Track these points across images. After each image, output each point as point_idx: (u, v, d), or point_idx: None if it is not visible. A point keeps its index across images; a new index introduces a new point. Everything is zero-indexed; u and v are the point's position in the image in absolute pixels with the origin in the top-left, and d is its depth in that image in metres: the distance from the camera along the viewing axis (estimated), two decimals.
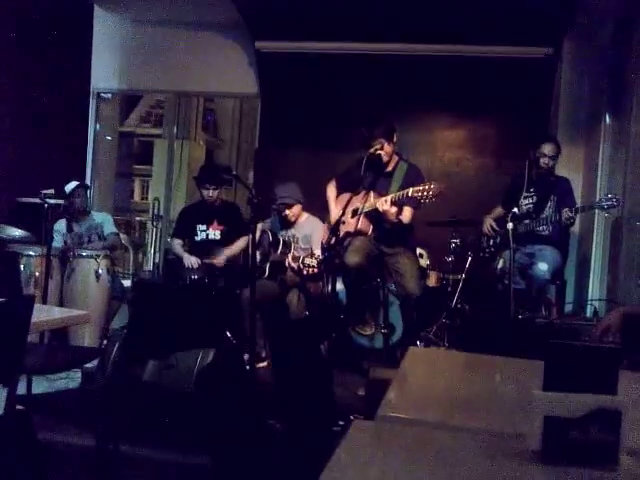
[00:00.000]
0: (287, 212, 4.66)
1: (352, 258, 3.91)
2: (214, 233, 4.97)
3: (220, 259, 4.80)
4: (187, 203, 6.42)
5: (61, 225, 4.82)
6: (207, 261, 4.81)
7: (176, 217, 5.43)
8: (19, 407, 2.00)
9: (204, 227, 4.98)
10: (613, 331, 2.24)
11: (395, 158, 4.12)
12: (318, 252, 4.34)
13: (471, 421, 1.34)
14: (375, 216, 3.96)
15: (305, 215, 4.77)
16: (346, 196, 4.06)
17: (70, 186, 4.87)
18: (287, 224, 4.73)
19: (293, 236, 4.69)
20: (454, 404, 1.49)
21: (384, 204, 3.82)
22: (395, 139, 4.08)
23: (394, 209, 3.86)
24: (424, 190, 3.68)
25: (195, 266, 4.79)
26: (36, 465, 2.10)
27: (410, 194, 3.74)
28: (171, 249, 5.27)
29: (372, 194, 4.00)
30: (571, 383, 1.11)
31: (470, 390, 1.66)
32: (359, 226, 4.00)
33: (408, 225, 4.05)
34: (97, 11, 6.63)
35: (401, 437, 1.24)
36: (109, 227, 5.08)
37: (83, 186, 5.03)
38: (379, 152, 3.96)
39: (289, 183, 4.74)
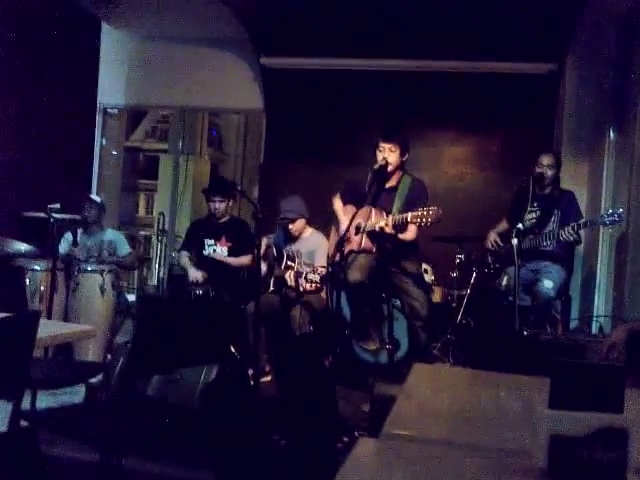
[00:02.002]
0: (290, 227, 4.67)
1: (355, 276, 3.91)
2: (222, 249, 4.98)
3: (222, 258, 4.84)
4: (197, 217, 6.44)
5: (69, 236, 4.85)
6: (211, 256, 4.89)
7: (185, 230, 5.45)
8: (24, 423, 2.00)
9: (212, 242, 4.99)
10: (619, 348, 2.23)
11: (399, 172, 4.12)
12: (322, 269, 4.34)
13: (476, 438, 1.34)
14: (377, 235, 3.95)
15: (309, 230, 4.77)
16: (351, 209, 4.05)
17: (93, 196, 4.98)
18: (291, 239, 4.74)
19: (297, 251, 4.70)
20: (459, 421, 1.49)
21: (385, 228, 3.82)
22: (406, 156, 4.07)
23: (394, 231, 3.85)
24: (422, 216, 3.68)
25: (200, 280, 4.80)
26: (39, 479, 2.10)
27: (409, 219, 3.74)
28: (178, 261, 5.28)
29: (374, 211, 4.00)
30: (577, 401, 1.11)
31: (475, 407, 1.65)
32: (363, 244, 4.00)
33: (413, 242, 4.03)
34: (104, 27, 6.70)
35: (406, 455, 1.24)
36: (124, 247, 5.07)
37: (89, 199, 5.06)
38: (384, 162, 3.96)
39: (293, 197, 4.75)
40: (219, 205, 4.90)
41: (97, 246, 4.96)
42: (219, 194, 4.89)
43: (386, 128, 4.20)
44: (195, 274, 4.84)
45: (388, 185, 4.10)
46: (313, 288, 4.28)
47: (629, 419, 1.10)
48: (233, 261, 4.89)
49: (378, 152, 4.00)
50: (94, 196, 5.13)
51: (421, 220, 3.67)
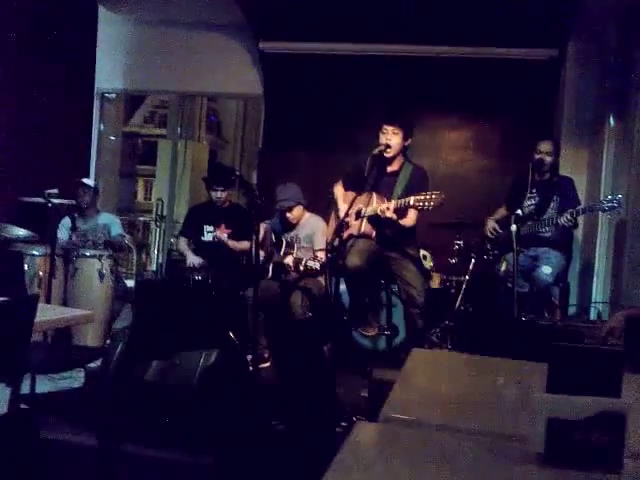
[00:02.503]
0: (288, 214, 4.66)
1: (353, 260, 3.89)
2: (221, 235, 4.98)
3: (225, 239, 4.85)
4: (195, 203, 6.44)
5: (65, 222, 4.84)
6: (214, 236, 4.91)
7: (183, 216, 5.44)
8: (23, 406, 2.01)
9: (211, 228, 4.99)
10: (617, 334, 2.23)
11: (401, 159, 4.09)
12: (321, 254, 4.33)
13: (474, 423, 1.34)
14: (377, 220, 3.94)
15: (307, 214, 4.76)
16: (351, 195, 4.04)
17: (86, 181, 4.97)
18: (289, 225, 4.73)
19: (295, 236, 4.69)
20: (457, 406, 1.49)
21: (386, 211, 3.80)
22: (409, 141, 4.04)
23: (395, 216, 3.84)
24: (425, 200, 3.66)
25: (197, 266, 4.80)
26: (38, 463, 2.11)
27: (412, 203, 3.72)
28: (176, 247, 5.29)
29: (375, 196, 3.98)
30: (575, 385, 1.11)
31: (473, 392, 1.66)
32: (363, 229, 3.98)
33: (411, 228, 4.02)
34: (101, 11, 6.64)
35: (404, 439, 1.24)
36: (116, 229, 5.09)
37: (82, 184, 5.03)
38: (384, 147, 3.93)
39: (289, 184, 4.73)
40: (221, 194, 4.90)
41: (92, 230, 4.96)
42: (221, 184, 4.88)
43: (390, 110, 4.16)
44: (193, 259, 4.85)
45: (390, 170, 4.07)
46: (313, 272, 4.28)
47: (627, 403, 1.10)
48: (234, 244, 4.90)
49: (381, 134, 3.97)
50: (86, 180, 5.10)
51: (423, 204, 3.66)
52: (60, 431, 2.65)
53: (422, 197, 3.67)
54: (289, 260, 4.44)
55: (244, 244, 4.90)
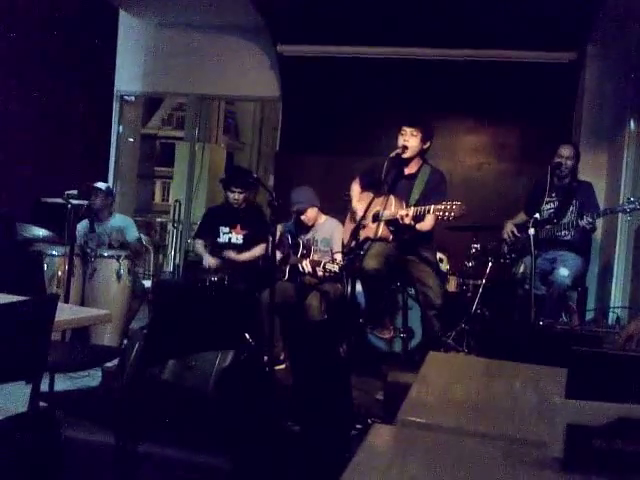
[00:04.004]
0: (303, 217, 4.67)
1: (371, 264, 3.88)
2: (237, 237, 4.98)
3: (234, 256, 4.84)
4: (212, 204, 6.46)
5: (83, 224, 4.88)
6: (224, 255, 4.87)
7: (200, 217, 5.46)
8: (43, 404, 2.03)
9: (227, 229, 4.99)
10: (636, 339, 2.21)
11: (419, 161, 4.08)
12: (339, 257, 4.33)
13: (491, 427, 1.33)
14: (395, 224, 3.93)
15: (323, 217, 4.77)
16: (368, 195, 4.03)
17: (98, 184, 4.99)
18: (305, 228, 4.74)
19: (312, 239, 4.70)
20: (474, 410, 1.48)
21: (405, 218, 3.78)
22: (427, 144, 4.03)
23: (414, 222, 3.83)
24: (445, 209, 3.61)
25: (213, 267, 4.82)
26: (57, 461, 2.13)
27: (431, 211, 3.69)
28: (193, 249, 5.31)
29: (393, 199, 3.96)
30: (595, 391, 1.10)
31: (490, 396, 1.65)
32: (380, 233, 3.97)
33: (429, 232, 4.00)
34: (122, 15, 6.71)
35: (421, 442, 1.24)
36: (132, 232, 5.09)
37: (94, 188, 5.05)
38: (401, 149, 3.92)
39: (302, 187, 4.74)
40: (238, 196, 4.90)
41: (107, 233, 4.99)
42: (240, 185, 4.89)
43: (411, 113, 4.15)
44: (209, 260, 4.87)
45: (407, 172, 4.06)
46: (332, 275, 4.28)
47: None
48: (246, 257, 4.89)
49: (399, 136, 3.97)
50: (99, 184, 5.10)
51: (444, 214, 3.62)
52: (78, 429, 2.67)
53: (442, 207, 3.63)
54: (307, 263, 4.45)
55: (255, 251, 4.89)
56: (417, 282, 4.09)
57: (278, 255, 4.59)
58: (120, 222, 5.11)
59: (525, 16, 5.29)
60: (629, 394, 1.10)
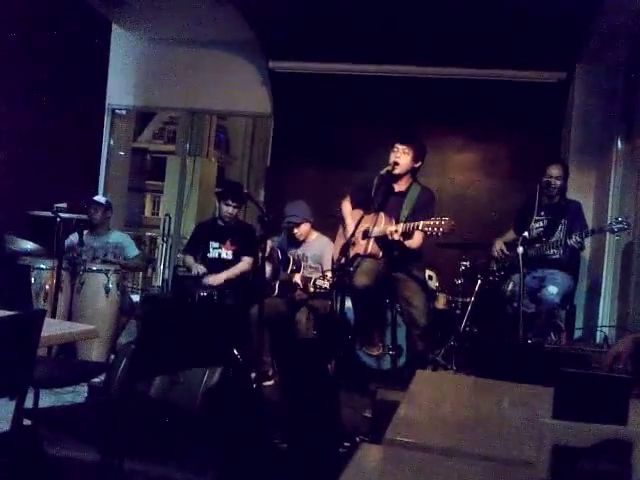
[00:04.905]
0: (295, 231, 4.66)
1: (361, 280, 3.89)
2: (226, 252, 4.96)
3: (217, 279, 4.79)
4: (202, 219, 6.44)
5: (70, 239, 4.85)
6: (205, 281, 4.76)
7: (190, 232, 5.43)
8: (26, 422, 2.00)
9: (217, 245, 4.97)
10: (624, 358, 2.22)
11: (409, 179, 4.10)
12: (330, 274, 4.33)
13: (479, 447, 1.33)
14: (385, 241, 3.94)
15: (315, 234, 4.77)
16: (359, 212, 4.04)
17: (98, 198, 5.03)
18: (296, 243, 4.74)
19: (302, 255, 4.70)
20: (462, 429, 1.48)
21: (394, 234, 3.80)
22: (419, 163, 4.05)
23: (402, 239, 3.84)
24: (434, 225, 3.63)
25: (201, 274, 4.78)
26: (41, 478, 2.10)
27: (420, 227, 3.71)
28: (182, 262, 5.27)
29: (383, 216, 3.98)
30: (581, 412, 1.10)
31: (478, 415, 1.65)
32: (369, 249, 3.98)
33: (417, 249, 4.01)
34: (115, 29, 6.73)
35: (409, 461, 1.23)
36: (132, 249, 5.10)
37: (94, 201, 5.06)
38: (391, 166, 3.94)
39: (297, 202, 4.75)
40: (233, 210, 4.89)
41: (103, 248, 4.97)
42: (237, 200, 4.88)
43: (404, 131, 4.18)
44: (198, 267, 4.83)
45: (397, 189, 4.08)
46: (322, 292, 4.27)
47: (634, 431, 1.09)
48: (234, 274, 4.84)
49: (391, 153, 3.99)
50: (99, 198, 5.12)
51: (432, 230, 3.64)
52: (63, 446, 2.64)
53: (431, 223, 3.65)
54: (298, 279, 4.44)
55: (243, 266, 4.85)
56: (402, 301, 4.10)
57: (268, 270, 4.58)
58: (119, 239, 5.10)
59: (515, 36, 5.35)
60: (616, 415, 1.11)
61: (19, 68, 5.33)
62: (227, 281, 4.78)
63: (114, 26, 6.70)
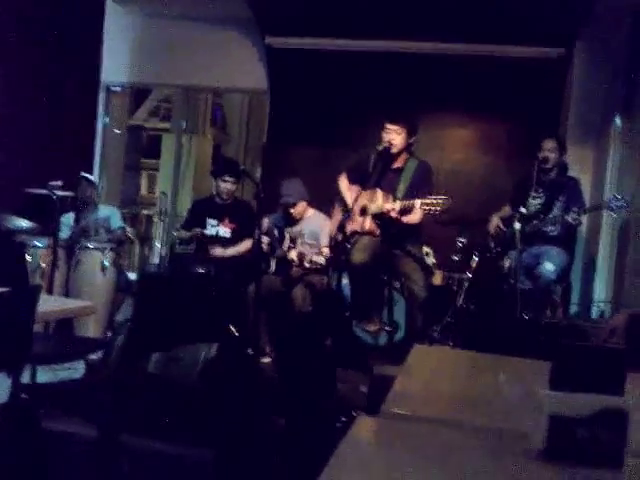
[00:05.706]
0: (291, 210, 4.66)
1: (358, 257, 3.89)
2: (225, 231, 4.94)
3: (221, 252, 4.80)
4: (198, 197, 6.41)
5: (68, 217, 4.83)
6: (211, 252, 4.81)
7: (186, 210, 5.41)
8: (23, 396, 2.01)
9: (215, 222, 4.95)
10: (619, 333, 2.23)
11: (406, 155, 4.09)
12: (326, 250, 4.33)
13: (476, 418, 1.34)
14: (382, 218, 3.93)
15: (311, 211, 4.76)
16: (355, 189, 4.02)
17: (89, 175, 5.01)
18: (292, 221, 4.73)
19: (299, 231, 4.69)
20: (459, 402, 1.49)
21: (392, 212, 3.79)
22: (413, 138, 4.04)
23: (400, 216, 3.83)
24: (432, 203, 3.64)
25: (199, 234, 4.79)
26: (38, 453, 2.11)
27: (418, 205, 3.70)
28: (179, 236, 5.24)
29: (380, 192, 3.97)
30: (578, 383, 1.10)
31: (475, 388, 1.65)
32: (367, 226, 3.98)
33: (415, 225, 4.01)
34: (109, 4, 6.63)
35: (405, 433, 1.24)
36: (116, 221, 5.06)
37: (84, 178, 5.01)
38: (388, 144, 3.93)
39: (293, 180, 4.73)
40: (231, 186, 4.87)
41: (93, 224, 4.94)
42: (234, 175, 4.85)
43: (392, 110, 4.15)
44: (195, 230, 4.84)
45: (394, 166, 4.07)
46: (318, 268, 4.28)
47: (629, 402, 1.09)
48: (233, 252, 4.85)
49: (384, 134, 3.97)
50: (89, 175, 5.08)
51: (430, 208, 3.64)
52: (60, 422, 2.65)
53: (429, 201, 3.65)
54: (293, 255, 4.44)
55: (241, 247, 4.85)
56: (402, 276, 4.11)
57: (265, 242, 4.56)
58: (106, 212, 5.08)
59: (514, 12, 5.29)
60: (612, 387, 1.11)
61: (11, 47, 5.26)
62: (226, 258, 4.79)
63: (108, 2, 6.60)
